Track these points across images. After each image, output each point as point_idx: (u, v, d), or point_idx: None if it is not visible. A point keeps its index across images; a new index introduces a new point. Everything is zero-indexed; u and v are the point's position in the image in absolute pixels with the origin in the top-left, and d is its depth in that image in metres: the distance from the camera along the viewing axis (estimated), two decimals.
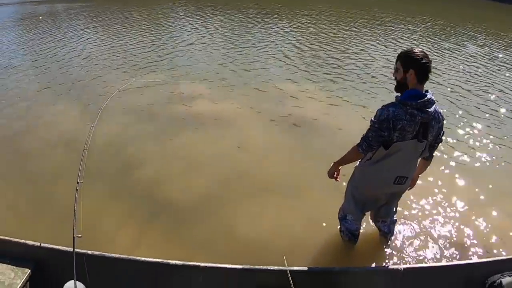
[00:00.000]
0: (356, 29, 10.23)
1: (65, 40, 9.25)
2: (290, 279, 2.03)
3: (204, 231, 3.21)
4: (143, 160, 4.18)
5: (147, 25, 10.85)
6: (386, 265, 2.74)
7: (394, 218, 2.92)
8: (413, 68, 2.15)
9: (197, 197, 3.61)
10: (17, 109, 5.54)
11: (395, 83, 2.29)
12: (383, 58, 7.77)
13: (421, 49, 2.21)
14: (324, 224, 3.12)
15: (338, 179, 2.60)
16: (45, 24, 11.18)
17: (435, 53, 8.14)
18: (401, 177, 2.39)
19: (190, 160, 4.20)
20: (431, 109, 2.19)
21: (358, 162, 2.63)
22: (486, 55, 8.33)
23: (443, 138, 2.48)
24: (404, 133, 2.20)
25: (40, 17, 12.05)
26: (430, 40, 9.41)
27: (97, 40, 9.22)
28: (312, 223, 3.21)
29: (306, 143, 4.58)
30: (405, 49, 2.28)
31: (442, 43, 9.16)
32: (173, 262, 2.28)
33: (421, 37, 9.56)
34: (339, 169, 2.57)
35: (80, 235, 1.78)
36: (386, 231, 2.95)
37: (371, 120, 2.26)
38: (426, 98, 2.16)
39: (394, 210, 2.84)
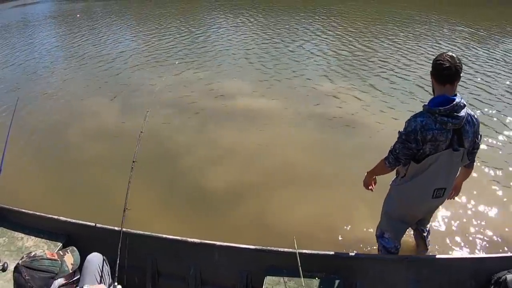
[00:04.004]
0: (399, 29, 9.87)
1: (103, 37, 9.77)
2: (299, 260, 2.17)
3: (235, 216, 3.49)
4: (183, 149, 4.55)
5: (183, 20, 11.22)
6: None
7: (428, 229, 2.78)
8: (431, 73, 2.09)
9: (230, 185, 3.91)
10: (70, 104, 6.10)
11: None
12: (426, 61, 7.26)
13: (449, 54, 2.02)
14: (345, 217, 3.25)
15: (373, 189, 2.50)
16: (83, 22, 11.77)
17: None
18: (439, 189, 2.20)
19: (226, 151, 4.50)
20: (462, 113, 2.01)
21: (392, 181, 2.49)
22: None
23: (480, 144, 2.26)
24: (437, 143, 2.04)
25: (78, 15, 12.65)
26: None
27: (135, 37, 9.70)
28: (334, 216, 3.38)
29: (341, 141, 4.72)
30: None
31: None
32: (191, 240, 2.46)
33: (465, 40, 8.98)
34: (374, 179, 2.47)
35: (129, 208, 2.07)
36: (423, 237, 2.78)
37: (399, 132, 2.14)
38: (454, 103, 1.98)
39: (428, 221, 2.72)
